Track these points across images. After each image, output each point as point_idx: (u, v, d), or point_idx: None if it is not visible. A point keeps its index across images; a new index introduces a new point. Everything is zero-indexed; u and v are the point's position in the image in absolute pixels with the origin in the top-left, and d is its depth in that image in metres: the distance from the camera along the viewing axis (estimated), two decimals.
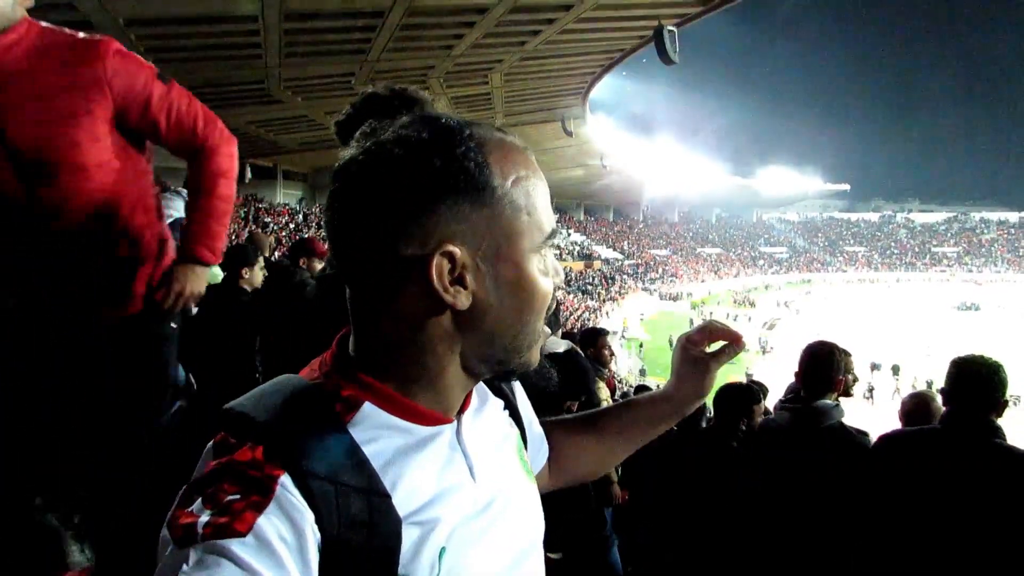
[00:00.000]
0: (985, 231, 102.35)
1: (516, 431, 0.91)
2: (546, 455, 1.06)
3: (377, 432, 0.69)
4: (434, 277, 0.66)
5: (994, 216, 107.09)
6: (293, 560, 0.58)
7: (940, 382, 2.44)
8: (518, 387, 0.99)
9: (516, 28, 16.65)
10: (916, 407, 3.31)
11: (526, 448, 0.93)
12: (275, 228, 29.90)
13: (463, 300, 0.68)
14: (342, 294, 0.74)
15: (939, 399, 3.30)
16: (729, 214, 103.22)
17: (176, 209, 3.86)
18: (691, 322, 46.69)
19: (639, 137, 54.33)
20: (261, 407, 0.67)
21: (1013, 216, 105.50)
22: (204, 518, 0.57)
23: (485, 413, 0.84)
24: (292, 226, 32.37)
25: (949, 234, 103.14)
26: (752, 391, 3.58)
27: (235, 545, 0.56)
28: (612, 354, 5.29)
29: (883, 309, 56.64)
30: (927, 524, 2.29)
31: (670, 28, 15.35)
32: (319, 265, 4.83)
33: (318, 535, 0.60)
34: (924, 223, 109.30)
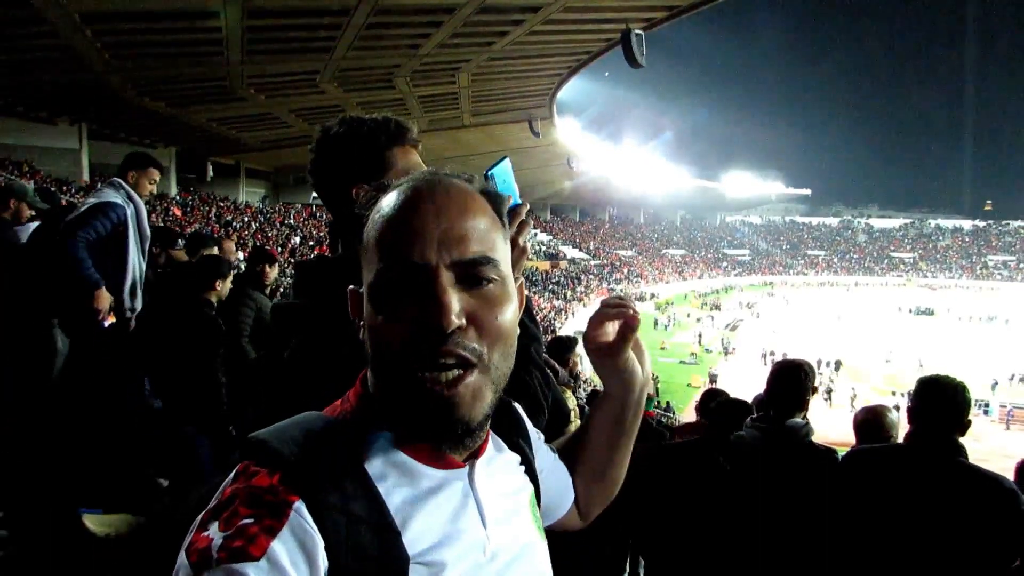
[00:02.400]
0: (940, 238, 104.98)
1: (531, 488, 0.89)
2: (571, 499, 1.06)
3: (391, 470, 0.70)
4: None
5: (949, 224, 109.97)
6: None
7: (897, 387, 2.50)
8: (539, 444, 0.99)
9: (484, 28, 16.65)
10: (869, 420, 3.36)
11: (539, 504, 0.92)
12: (238, 227, 29.45)
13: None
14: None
15: (893, 413, 3.36)
16: (693, 216, 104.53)
17: (102, 195, 3.84)
18: (655, 323, 47.11)
19: (606, 139, 54.80)
20: (283, 438, 0.67)
21: (967, 224, 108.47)
22: (218, 541, 0.58)
23: (500, 463, 0.84)
24: (255, 225, 31.90)
25: (906, 240, 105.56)
26: (745, 405, 3.58)
27: (249, 568, 0.56)
28: (578, 363, 5.18)
29: (842, 312, 57.79)
30: (892, 540, 2.34)
31: (637, 32, 15.47)
32: (274, 273, 4.80)
33: (327, 563, 0.61)
34: (882, 228, 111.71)
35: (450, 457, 0.74)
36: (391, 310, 0.67)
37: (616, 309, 0.94)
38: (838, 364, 35.32)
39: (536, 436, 0.98)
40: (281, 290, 11.93)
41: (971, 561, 2.16)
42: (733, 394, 5.04)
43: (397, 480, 0.70)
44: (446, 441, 0.72)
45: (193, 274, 4.02)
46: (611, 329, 0.96)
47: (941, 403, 2.36)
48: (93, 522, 1.91)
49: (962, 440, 2.38)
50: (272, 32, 15.21)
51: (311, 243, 31.93)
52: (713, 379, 29.87)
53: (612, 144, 56.51)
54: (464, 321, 0.67)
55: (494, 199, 0.76)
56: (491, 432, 0.82)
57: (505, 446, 0.88)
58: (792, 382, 2.84)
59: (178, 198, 29.96)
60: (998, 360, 36.28)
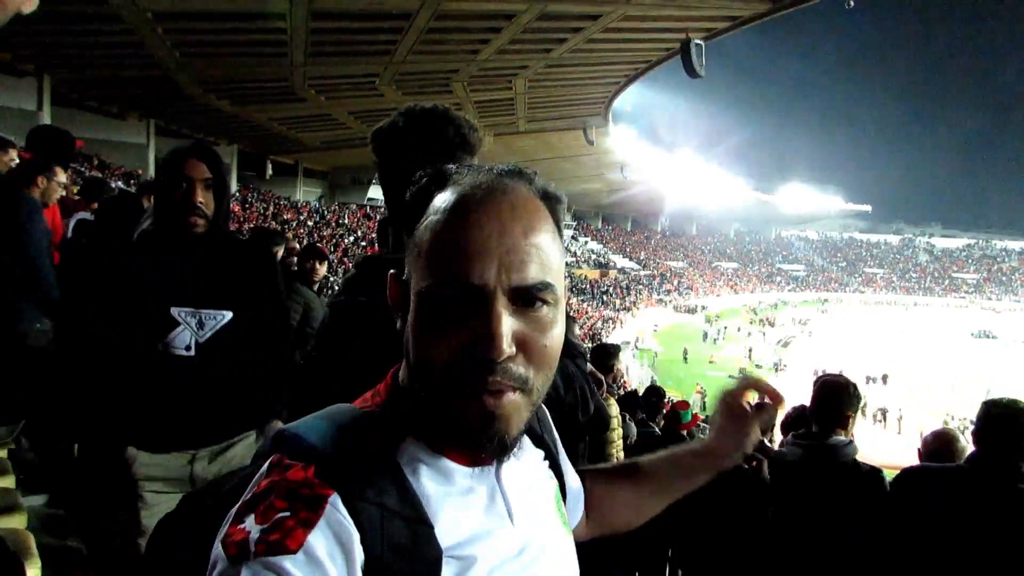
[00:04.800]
0: (1006, 259, 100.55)
1: (555, 483, 0.90)
2: (582, 508, 1.05)
3: (422, 465, 0.71)
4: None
5: (1016, 245, 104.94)
6: None
7: (959, 414, 2.40)
8: (559, 442, 0.99)
9: (542, 35, 16.69)
10: (938, 446, 3.21)
11: (564, 501, 0.92)
12: (294, 225, 30.11)
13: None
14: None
15: (963, 440, 3.22)
16: (748, 229, 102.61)
17: None
18: (705, 335, 46.26)
19: (660, 148, 54.18)
20: (315, 431, 0.69)
21: None
22: (255, 534, 0.59)
23: (525, 460, 0.83)
24: (311, 223, 32.57)
25: (970, 261, 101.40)
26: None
27: (287, 561, 0.57)
28: (618, 372, 5.15)
29: (898, 333, 55.83)
30: (943, 564, 2.25)
31: (697, 42, 15.31)
32: (323, 270, 4.89)
33: (362, 555, 0.61)
34: (945, 248, 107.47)
35: (474, 453, 0.72)
36: (440, 328, 0.65)
37: (770, 387, 0.99)
38: (885, 378, 34.16)
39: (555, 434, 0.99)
40: (329, 289, 12.04)
41: None
42: (783, 411, 4.91)
43: (428, 475, 0.70)
44: (480, 452, 0.69)
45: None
46: (752, 399, 1.02)
47: (1006, 427, 2.28)
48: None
49: None
50: (335, 34, 15.52)
51: (363, 243, 32.43)
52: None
53: (666, 153, 55.81)
54: (514, 349, 0.64)
55: (554, 203, 0.72)
56: None
57: (530, 442, 0.87)
58: (835, 399, 2.77)
59: (238, 195, 30.77)
60: None
